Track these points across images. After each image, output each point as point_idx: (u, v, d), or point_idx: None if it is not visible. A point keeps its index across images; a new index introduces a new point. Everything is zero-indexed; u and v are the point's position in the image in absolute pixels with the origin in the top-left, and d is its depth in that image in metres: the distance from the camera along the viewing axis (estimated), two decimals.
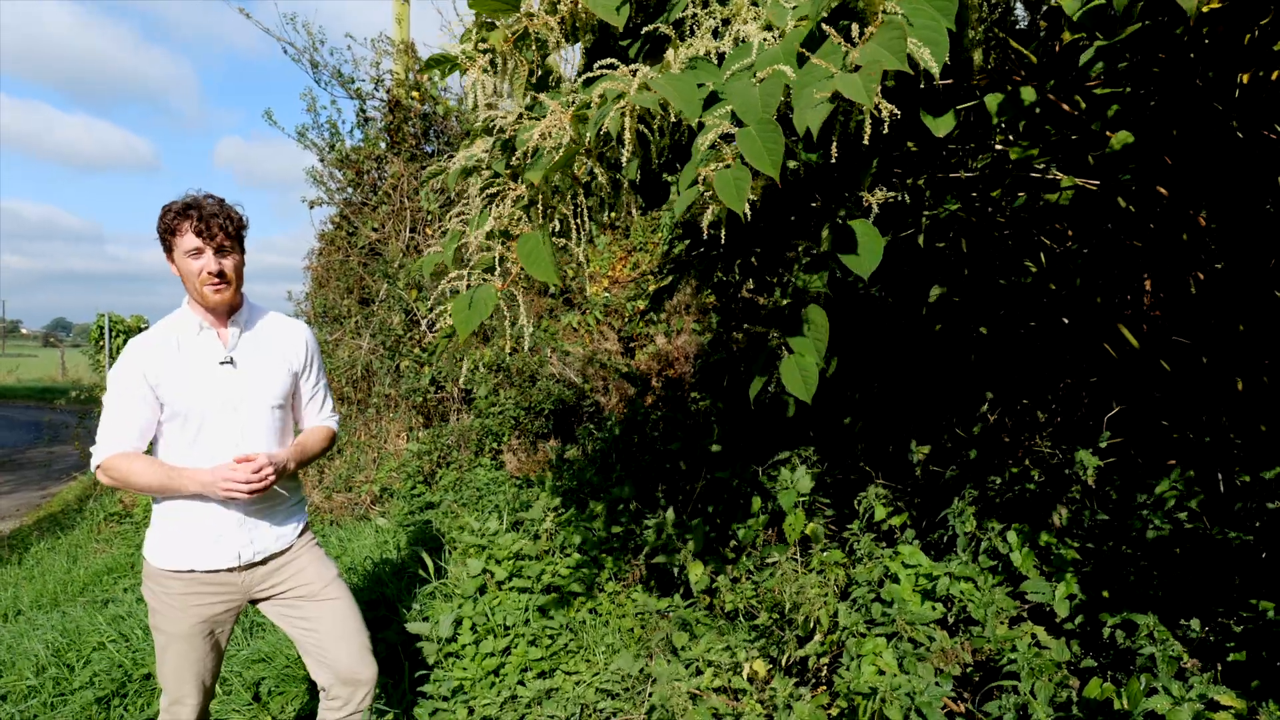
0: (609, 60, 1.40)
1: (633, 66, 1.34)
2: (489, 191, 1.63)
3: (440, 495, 4.94)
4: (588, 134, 1.35)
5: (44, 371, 25.44)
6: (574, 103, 1.42)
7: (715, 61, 1.37)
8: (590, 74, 1.41)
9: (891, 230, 1.91)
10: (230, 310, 1.89)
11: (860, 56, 1.13)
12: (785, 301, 1.96)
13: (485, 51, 1.64)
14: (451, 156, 1.81)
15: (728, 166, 1.27)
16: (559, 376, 5.49)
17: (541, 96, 1.57)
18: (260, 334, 1.95)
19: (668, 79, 1.29)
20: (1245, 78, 1.91)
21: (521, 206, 1.55)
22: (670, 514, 3.11)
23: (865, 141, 1.22)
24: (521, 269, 1.52)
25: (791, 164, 1.88)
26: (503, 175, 1.64)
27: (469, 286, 1.54)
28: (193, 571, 1.84)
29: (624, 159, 1.34)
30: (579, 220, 1.54)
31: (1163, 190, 2.09)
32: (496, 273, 1.55)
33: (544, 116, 1.44)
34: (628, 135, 1.31)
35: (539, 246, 1.47)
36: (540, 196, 1.53)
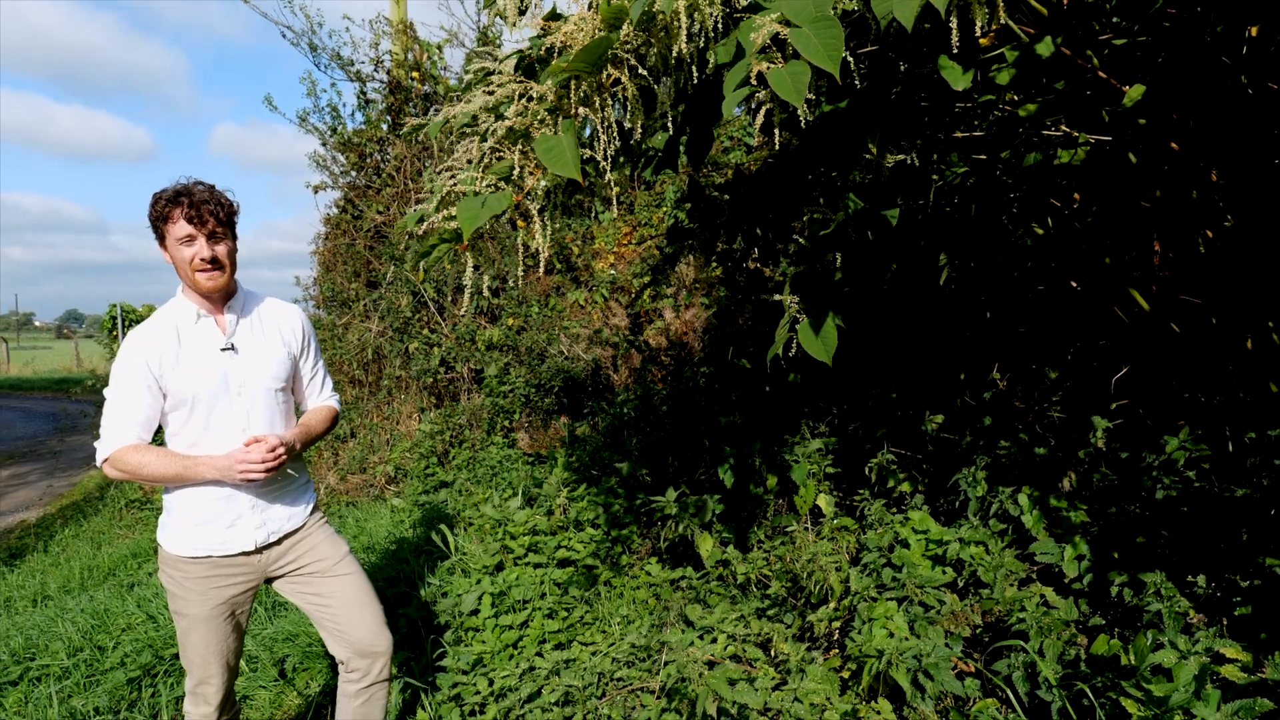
0: None
1: None
2: (504, 92, 1.53)
3: (454, 474, 5.00)
4: (633, 12, 1.29)
5: (59, 362, 25.70)
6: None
7: None
8: None
9: (901, 196, 1.90)
10: (226, 296, 1.90)
11: None
12: (794, 270, 1.95)
13: None
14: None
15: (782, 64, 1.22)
16: (567, 353, 5.51)
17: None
18: (257, 319, 1.97)
19: None
20: (1254, 30, 1.87)
21: (547, 108, 1.47)
22: (682, 487, 3.14)
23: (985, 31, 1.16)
24: (538, 179, 1.45)
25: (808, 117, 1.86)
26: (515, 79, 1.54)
27: (477, 193, 1.46)
28: (210, 557, 1.87)
29: (680, 47, 1.28)
30: (607, 133, 1.45)
31: (1174, 145, 2.06)
32: (512, 179, 1.47)
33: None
34: (682, 11, 1.25)
35: (559, 143, 1.40)
36: (566, 98, 1.44)
